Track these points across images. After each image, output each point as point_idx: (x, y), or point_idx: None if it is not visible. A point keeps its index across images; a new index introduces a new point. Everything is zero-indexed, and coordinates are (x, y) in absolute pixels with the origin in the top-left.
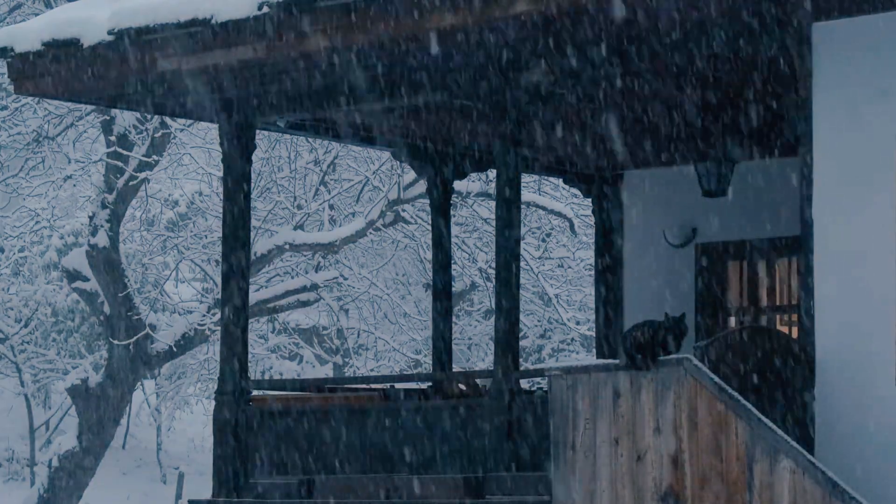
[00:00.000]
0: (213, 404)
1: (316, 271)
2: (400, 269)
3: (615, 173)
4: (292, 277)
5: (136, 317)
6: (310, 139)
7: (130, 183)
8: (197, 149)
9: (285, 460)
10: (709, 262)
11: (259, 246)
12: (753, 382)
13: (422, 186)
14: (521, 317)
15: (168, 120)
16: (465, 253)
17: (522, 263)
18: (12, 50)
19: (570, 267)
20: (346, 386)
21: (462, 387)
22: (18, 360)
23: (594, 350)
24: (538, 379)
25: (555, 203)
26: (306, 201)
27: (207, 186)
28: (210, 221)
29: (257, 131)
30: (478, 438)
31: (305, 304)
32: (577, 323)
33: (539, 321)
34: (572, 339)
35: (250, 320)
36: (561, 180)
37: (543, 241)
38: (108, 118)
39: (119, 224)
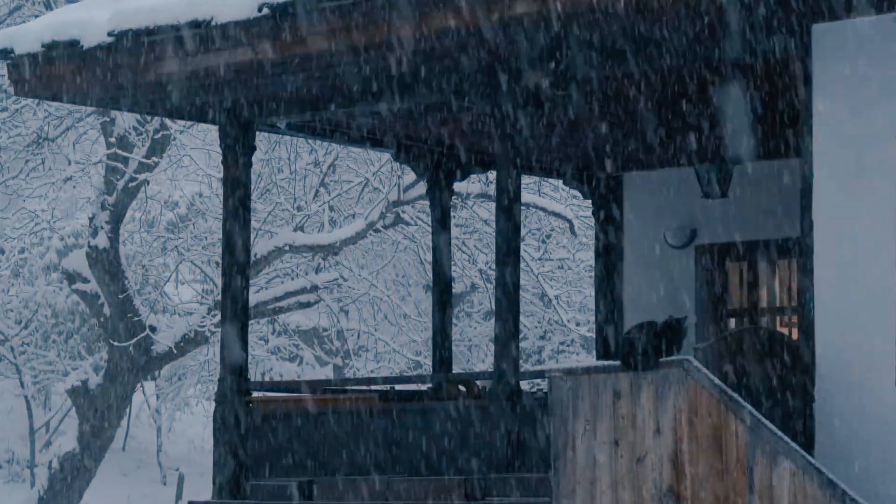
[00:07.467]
0: (213, 406)
1: (316, 273)
2: (400, 270)
3: (615, 175)
4: (292, 279)
5: (136, 318)
6: (310, 140)
7: (130, 184)
8: (197, 150)
9: (285, 462)
10: (709, 263)
11: (259, 247)
12: (753, 384)
13: (422, 188)
14: (521, 318)
15: (168, 121)
16: (465, 254)
17: (522, 265)
18: (12, 51)
19: (570, 268)
20: (346, 387)
21: (462, 388)
22: (18, 362)
23: (594, 351)
24: (538, 380)
25: (555, 204)
26: (306, 203)
27: (207, 188)
28: (210, 223)
29: (257, 133)
30: (478, 440)
31: (305, 305)
32: (578, 324)
33: (539, 322)
34: (572, 341)
35: (250, 322)
36: (561, 181)
37: (543, 242)
38: (108, 120)
39: (119, 225)
